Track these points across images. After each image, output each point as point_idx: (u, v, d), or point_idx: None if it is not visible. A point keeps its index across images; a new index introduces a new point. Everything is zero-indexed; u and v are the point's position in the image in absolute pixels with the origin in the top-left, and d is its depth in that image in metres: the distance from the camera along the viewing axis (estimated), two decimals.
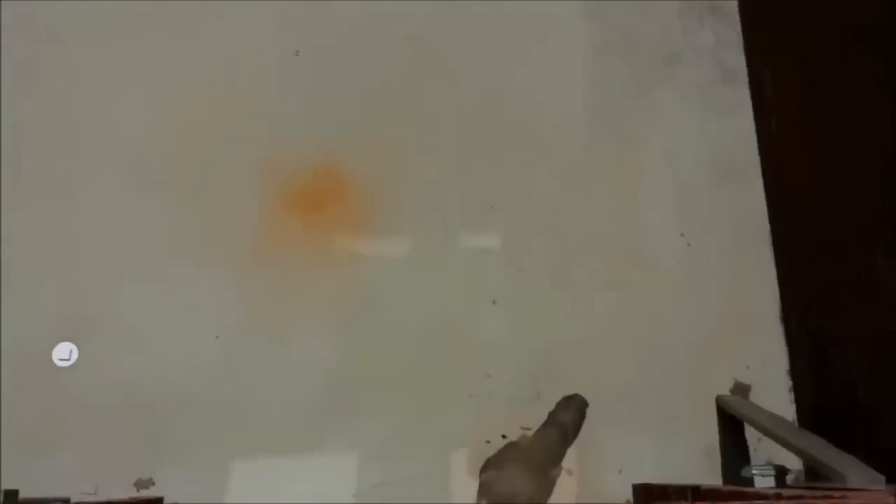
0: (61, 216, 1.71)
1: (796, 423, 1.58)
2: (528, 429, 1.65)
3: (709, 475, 1.56)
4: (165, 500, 1.31)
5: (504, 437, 1.63)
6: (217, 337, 1.69)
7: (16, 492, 0.99)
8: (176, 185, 1.77)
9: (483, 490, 1.55)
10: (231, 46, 1.87)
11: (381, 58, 1.90)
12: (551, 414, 1.65)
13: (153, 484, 1.55)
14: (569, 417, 1.64)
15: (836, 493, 0.96)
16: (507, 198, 1.84)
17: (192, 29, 1.87)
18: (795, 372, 1.63)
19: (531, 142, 1.88)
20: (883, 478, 1.16)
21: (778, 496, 1.01)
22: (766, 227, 1.81)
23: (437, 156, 1.85)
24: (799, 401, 1.61)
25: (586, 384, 1.67)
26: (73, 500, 1.05)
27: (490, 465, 1.57)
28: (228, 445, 1.61)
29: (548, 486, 1.57)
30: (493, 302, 1.76)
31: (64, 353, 1.64)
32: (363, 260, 1.78)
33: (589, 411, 1.65)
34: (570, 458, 1.62)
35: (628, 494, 1.59)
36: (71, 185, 1.74)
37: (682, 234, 1.81)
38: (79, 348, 1.63)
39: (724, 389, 1.64)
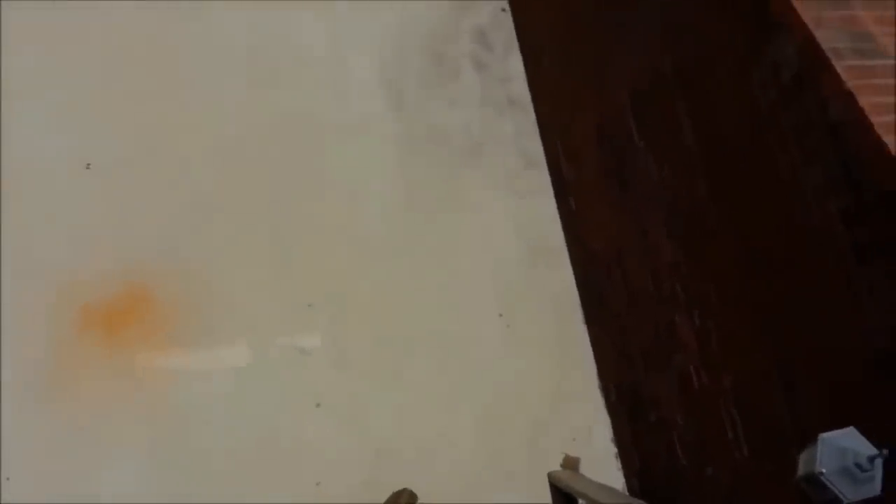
0: None
1: (626, 491, 1.59)
2: None
3: None
4: None
5: None
6: (7, 479, 1.50)
7: None
8: None
9: None
10: (17, 159, 1.73)
11: (182, 165, 1.82)
12: None
13: None
14: None
15: None
16: (325, 295, 1.79)
17: None
18: (619, 439, 1.66)
19: (347, 238, 1.86)
20: None
21: None
22: (578, 300, 1.87)
23: (250, 258, 1.78)
24: (626, 467, 1.63)
25: (421, 480, 1.61)
26: None
27: None
28: None
29: None
30: (317, 405, 1.68)
31: None
32: (172, 377, 1.65)
33: None
34: None
35: None
36: None
37: (500, 315, 1.83)
38: None
39: (556, 464, 1.63)
